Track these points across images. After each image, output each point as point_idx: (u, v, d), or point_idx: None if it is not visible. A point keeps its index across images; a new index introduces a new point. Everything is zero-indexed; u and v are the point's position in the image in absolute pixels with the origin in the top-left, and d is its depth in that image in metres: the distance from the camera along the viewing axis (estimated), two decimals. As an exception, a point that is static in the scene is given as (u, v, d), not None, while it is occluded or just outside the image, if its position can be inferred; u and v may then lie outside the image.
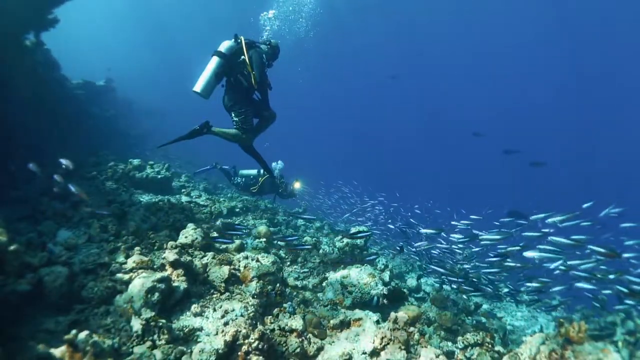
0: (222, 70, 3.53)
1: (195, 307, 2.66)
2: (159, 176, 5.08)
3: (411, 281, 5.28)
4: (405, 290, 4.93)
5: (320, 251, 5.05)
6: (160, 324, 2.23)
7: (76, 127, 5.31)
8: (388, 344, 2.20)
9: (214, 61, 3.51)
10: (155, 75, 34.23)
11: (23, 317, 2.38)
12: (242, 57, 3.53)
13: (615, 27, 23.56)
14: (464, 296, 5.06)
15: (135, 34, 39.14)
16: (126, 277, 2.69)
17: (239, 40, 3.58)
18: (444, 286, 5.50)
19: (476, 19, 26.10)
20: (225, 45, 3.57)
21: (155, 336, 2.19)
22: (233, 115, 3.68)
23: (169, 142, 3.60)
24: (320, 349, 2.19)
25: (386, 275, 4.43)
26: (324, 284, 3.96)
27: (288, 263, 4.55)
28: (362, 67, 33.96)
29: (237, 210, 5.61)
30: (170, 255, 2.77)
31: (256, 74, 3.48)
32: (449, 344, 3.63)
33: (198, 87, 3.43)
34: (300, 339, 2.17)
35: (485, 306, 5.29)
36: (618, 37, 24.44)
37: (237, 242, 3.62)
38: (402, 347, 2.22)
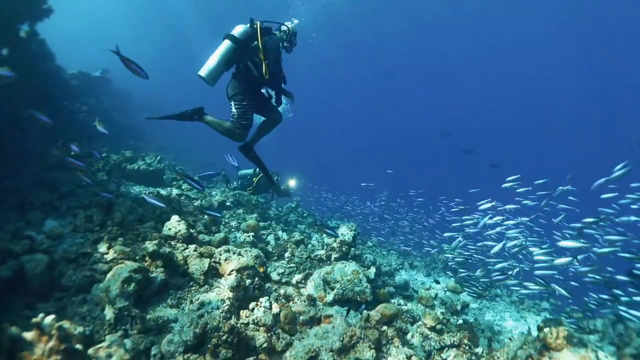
0: (233, 56, 3.21)
1: (172, 299, 2.70)
2: (151, 168, 5.11)
3: (400, 279, 5.27)
4: (392, 288, 4.93)
5: (309, 247, 5.07)
6: (134, 313, 2.27)
7: (70, 117, 5.35)
8: (357, 342, 2.21)
9: (224, 45, 3.18)
10: (155, 68, 34.34)
11: (5, 303, 2.44)
12: (256, 42, 3.18)
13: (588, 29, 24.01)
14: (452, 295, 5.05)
15: (135, 24, 39.07)
16: (106, 267, 2.73)
17: (255, 25, 3.23)
18: (434, 284, 5.53)
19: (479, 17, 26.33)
20: (239, 29, 3.23)
21: (128, 325, 2.23)
22: (232, 105, 3.30)
23: (160, 117, 3.34)
24: (289, 345, 2.20)
25: (372, 273, 4.43)
26: (308, 279, 3.98)
27: (275, 258, 4.57)
28: (357, 66, 34.08)
29: (228, 204, 5.64)
30: (149, 246, 2.80)
31: (269, 63, 3.13)
32: (432, 343, 3.63)
33: (203, 71, 3.11)
34: (269, 334, 2.18)
35: (473, 305, 5.27)
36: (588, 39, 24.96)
37: (221, 235, 3.64)
38: (372, 346, 2.22)
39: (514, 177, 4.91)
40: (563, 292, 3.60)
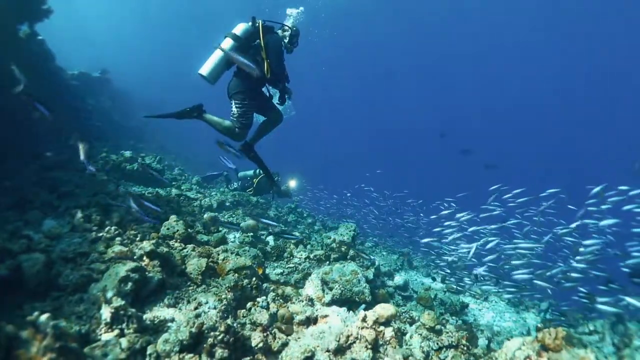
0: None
1: (169, 299, 2.70)
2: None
3: (399, 279, 5.26)
4: (391, 288, 4.93)
5: (308, 247, 5.06)
6: (130, 313, 2.26)
7: (70, 117, 5.37)
8: (354, 342, 2.20)
9: (226, 43, 3.17)
10: (155, 69, 34.46)
11: (2, 302, 2.45)
12: (257, 40, 3.17)
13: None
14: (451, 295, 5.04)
15: (136, 26, 39.18)
16: (103, 266, 2.74)
17: (257, 24, 3.22)
18: (432, 284, 5.52)
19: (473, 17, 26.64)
20: (240, 28, 3.22)
21: (124, 325, 2.23)
22: (233, 104, 3.27)
23: (157, 115, 3.31)
24: (285, 345, 2.20)
25: (371, 273, 4.43)
26: (306, 280, 3.98)
27: (274, 258, 4.57)
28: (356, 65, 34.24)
29: (228, 204, 5.64)
30: (146, 245, 2.80)
31: (271, 62, 3.10)
32: (430, 343, 3.62)
33: (204, 70, 3.09)
34: (265, 334, 2.18)
35: (473, 306, 5.25)
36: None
37: (220, 235, 3.65)
38: (369, 347, 2.21)
39: (496, 186, 5.05)
40: (545, 284, 3.70)
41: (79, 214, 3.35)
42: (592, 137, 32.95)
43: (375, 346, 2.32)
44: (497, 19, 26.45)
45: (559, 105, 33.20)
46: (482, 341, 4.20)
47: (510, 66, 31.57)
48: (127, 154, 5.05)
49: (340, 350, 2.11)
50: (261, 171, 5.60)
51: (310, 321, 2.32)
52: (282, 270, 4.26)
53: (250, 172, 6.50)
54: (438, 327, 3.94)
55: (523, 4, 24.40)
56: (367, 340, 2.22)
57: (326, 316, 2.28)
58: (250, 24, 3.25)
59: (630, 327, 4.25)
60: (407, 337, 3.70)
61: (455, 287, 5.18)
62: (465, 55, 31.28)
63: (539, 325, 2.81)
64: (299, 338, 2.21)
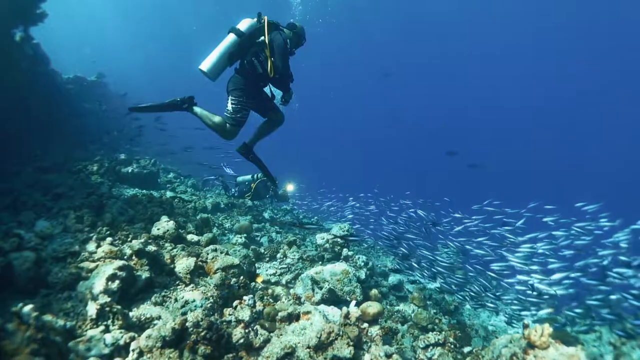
0: (237, 51, 3.07)
1: (157, 297, 2.72)
2: (145, 171, 5.18)
3: (393, 279, 5.25)
4: (385, 288, 4.92)
5: (302, 247, 5.08)
6: (115, 309, 2.30)
7: (66, 121, 5.45)
8: (336, 339, 2.21)
9: (229, 39, 3.05)
10: (154, 71, 34.44)
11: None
12: (262, 37, 3.02)
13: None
14: (445, 296, 5.02)
15: (135, 29, 39.08)
16: (92, 265, 2.77)
17: (262, 20, 3.08)
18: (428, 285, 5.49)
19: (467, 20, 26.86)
20: (245, 24, 3.09)
21: (110, 321, 2.26)
22: (229, 101, 3.10)
23: (143, 107, 3.12)
24: (267, 341, 2.21)
25: (363, 273, 4.44)
26: (297, 279, 3.99)
27: (267, 259, 4.60)
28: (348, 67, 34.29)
29: (222, 206, 5.68)
30: (135, 244, 2.84)
31: (276, 61, 2.95)
32: (417, 341, 3.61)
33: (205, 65, 2.96)
34: (247, 330, 2.20)
35: (469, 306, 5.23)
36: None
37: (210, 235, 3.68)
38: (351, 344, 2.22)
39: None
40: (485, 282, 3.89)
41: (72, 215, 3.40)
42: (589, 140, 32.88)
43: (357, 343, 2.32)
44: (493, 21, 26.61)
45: (557, 107, 33.16)
46: (478, 340, 4.18)
47: (506, 67, 31.63)
48: (122, 156, 5.12)
49: (321, 346, 2.12)
50: (260, 174, 5.61)
51: (293, 317, 2.34)
52: (275, 271, 4.28)
53: (249, 177, 6.52)
54: (430, 326, 3.94)
55: (516, 6, 24.54)
56: (349, 337, 2.23)
57: (308, 313, 2.29)
58: (255, 19, 3.14)
59: (628, 326, 4.21)
60: (399, 336, 3.71)
61: (450, 287, 5.15)
62: (464, 56, 31.41)
63: (525, 322, 2.79)
64: (280, 335, 2.23)
